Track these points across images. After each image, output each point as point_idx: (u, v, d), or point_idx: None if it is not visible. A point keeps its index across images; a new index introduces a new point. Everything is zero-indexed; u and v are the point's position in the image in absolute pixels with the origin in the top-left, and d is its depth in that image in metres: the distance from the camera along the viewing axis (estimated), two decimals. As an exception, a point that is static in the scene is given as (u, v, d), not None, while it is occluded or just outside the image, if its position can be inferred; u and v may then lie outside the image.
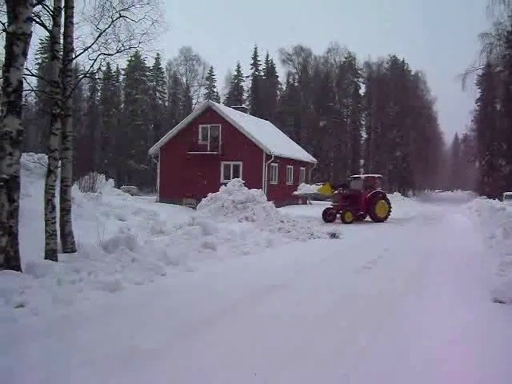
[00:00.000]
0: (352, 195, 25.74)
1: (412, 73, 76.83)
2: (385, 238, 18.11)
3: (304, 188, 27.37)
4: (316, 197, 29.52)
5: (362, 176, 28.22)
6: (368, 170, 67.61)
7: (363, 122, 77.25)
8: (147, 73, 76.10)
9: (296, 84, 78.70)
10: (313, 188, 26.62)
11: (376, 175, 29.98)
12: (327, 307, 7.25)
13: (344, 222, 23.62)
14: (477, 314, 7.01)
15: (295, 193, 28.29)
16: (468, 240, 16.97)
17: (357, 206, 25.54)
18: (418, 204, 47.54)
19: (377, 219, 25.53)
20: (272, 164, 34.67)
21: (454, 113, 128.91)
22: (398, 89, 68.87)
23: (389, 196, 49.51)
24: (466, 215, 30.46)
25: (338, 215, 24.82)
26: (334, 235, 16.99)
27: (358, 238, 17.54)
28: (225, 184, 21.95)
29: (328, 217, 24.76)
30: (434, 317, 6.82)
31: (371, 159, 69.55)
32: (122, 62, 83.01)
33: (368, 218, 26.26)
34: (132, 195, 33.66)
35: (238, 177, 26.92)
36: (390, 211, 26.44)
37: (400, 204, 41.24)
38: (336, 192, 25.65)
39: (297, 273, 10.21)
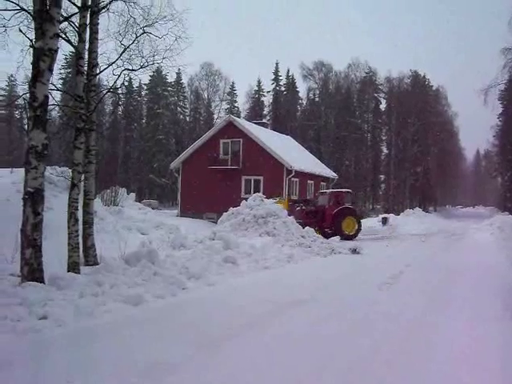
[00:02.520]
0: (316, 211, 24.76)
1: (433, 88, 76.26)
2: (406, 253, 17.92)
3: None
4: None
5: (328, 191, 26.94)
6: (389, 185, 67.25)
7: (384, 137, 76.84)
8: (169, 88, 76.57)
9: (317, 99, 78.66)
10: (269, 203, 26.07)
11: (344, 190, 28.47)
12: (347, 323, 7.21)
13: None
14: (496, 333, 6.89)
15: None
16: (490, 257, 16.74)
17: (322, 222, 24.33)
18: (439, 220, 46.97)
19: (344, 236, 23.20)
20: (293, 179, 34.61)
21: (475, 128, 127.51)
22: (418, 104, 68.40)
23: (410, 211, 49.47)
24: (488, 231, 30.04)
25: None
26: (355, 251, 16.91)
27: (379, 254, 17.44)
28: (245, 199, 21.92)
29: None
30: (453, 334, 6.74)
31: (392, 174, 69.06)
32: (144, 77, 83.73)
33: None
34: (153, 209, 33.74)
35: (258, 191, 26.76)
36: (360, 228, 24.97)
37: (421, 220, 40.91)
38: (298, 208, 24.86)
39: (317, 288, 10.17)
